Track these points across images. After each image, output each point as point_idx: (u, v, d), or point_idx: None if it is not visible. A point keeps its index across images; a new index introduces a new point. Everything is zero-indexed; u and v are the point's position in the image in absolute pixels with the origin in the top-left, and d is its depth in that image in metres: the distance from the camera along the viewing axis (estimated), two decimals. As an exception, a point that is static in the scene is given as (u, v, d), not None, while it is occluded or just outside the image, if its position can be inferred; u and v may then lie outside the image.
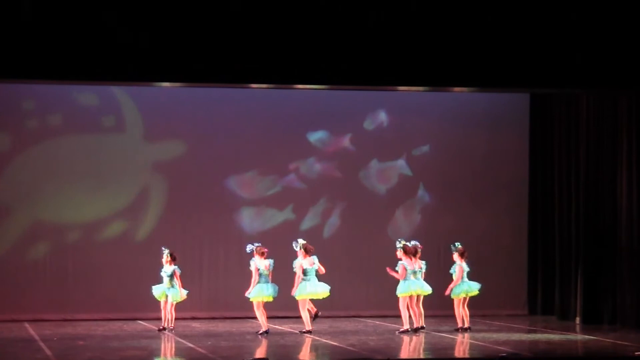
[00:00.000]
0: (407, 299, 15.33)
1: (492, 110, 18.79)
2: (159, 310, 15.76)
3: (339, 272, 17.49)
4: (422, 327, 15.46)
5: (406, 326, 15.28)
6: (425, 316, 15.76)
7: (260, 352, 13.38)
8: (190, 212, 17.97)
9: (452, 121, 18.73)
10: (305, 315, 15.26)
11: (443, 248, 16.50)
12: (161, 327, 15.63)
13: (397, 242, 15.57)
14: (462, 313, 15.80)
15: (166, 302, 15.63)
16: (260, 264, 15.09)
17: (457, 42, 13.19)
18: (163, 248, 15.70)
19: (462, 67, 13.27)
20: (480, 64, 13.28)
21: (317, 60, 12.94)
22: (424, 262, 15.68)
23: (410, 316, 15.37)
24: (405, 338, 14.89)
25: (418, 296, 15.52)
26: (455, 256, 15.78)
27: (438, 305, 16.72)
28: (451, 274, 15.85)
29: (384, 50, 13.04)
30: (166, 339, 14.80)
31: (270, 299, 15.14)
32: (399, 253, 15.47)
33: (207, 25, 12.71)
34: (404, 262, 15.37)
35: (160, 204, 17.97)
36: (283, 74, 13.07)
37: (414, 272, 15.40)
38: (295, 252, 15.38)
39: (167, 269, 15.58)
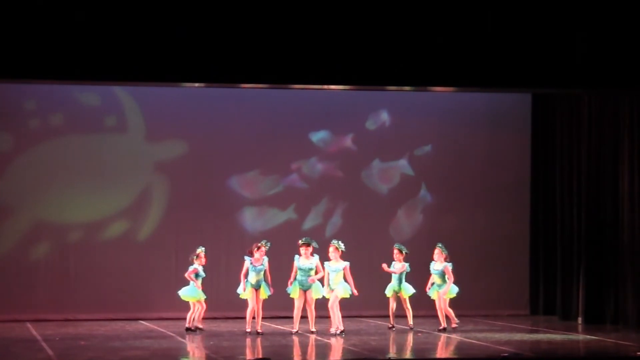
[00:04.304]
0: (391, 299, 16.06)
1: (494, 110, 18.78)
2: (161, 310, 15.76)
3: (340, 272, 17.48)
4: (392, 326, 15.95)
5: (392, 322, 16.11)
6: (424, 317, 15.76)
7: (261, 352, 13.38)
8: (192, 212, 17.96)
9: (454, 121, 18.72)
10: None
11: (445, 248, 16.48)
12: (200, 327, 15.66)
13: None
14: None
15: (200, 301, 15.67)
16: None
17: (458, 42, 13.20)
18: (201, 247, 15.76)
19: (463, 68, 13.27)
20: (481, 64, 13.28)
21: (316, 60, 12.96)
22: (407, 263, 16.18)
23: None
24: (405, 338, 14.91)
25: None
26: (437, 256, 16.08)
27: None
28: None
29: (384, 50, 13.05)
30: (168, 339, 14.78)
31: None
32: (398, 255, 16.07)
33: (207, 25, 12.73)
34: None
35: (162, 204, 17.96)
36: (283, 74, 13.08)
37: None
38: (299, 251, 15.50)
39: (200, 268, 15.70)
